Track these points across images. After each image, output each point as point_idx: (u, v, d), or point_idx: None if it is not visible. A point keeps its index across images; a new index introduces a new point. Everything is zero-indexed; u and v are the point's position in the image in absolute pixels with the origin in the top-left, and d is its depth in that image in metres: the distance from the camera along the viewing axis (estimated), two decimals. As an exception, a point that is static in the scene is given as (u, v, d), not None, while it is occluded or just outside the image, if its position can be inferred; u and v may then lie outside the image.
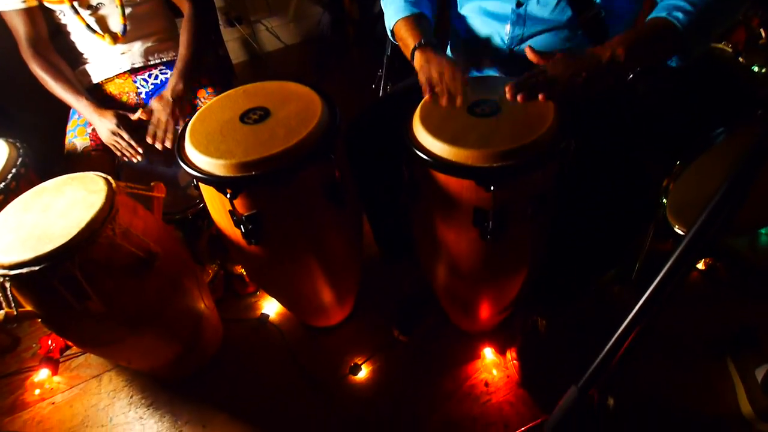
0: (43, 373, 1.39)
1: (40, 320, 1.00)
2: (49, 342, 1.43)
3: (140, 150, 1.28)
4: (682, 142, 1.34)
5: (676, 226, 1.20)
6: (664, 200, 1.20)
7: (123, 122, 1.25)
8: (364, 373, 1.32)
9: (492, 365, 1.30)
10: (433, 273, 1.15)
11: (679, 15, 0.83)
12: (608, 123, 1.05)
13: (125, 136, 1.25)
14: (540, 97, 0.86)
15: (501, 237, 0.89)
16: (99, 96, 1.39)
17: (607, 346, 0.63)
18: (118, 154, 1.30)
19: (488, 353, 1.31)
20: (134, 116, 1.27)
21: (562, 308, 1.34)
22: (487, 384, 1.27)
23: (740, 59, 1.40)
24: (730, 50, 1.41)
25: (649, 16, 0.88)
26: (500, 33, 1.06)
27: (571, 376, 0.73)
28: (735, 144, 1.20)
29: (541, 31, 1.02)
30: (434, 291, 1.27)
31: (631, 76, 1.40)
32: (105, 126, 1.26)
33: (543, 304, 1.34)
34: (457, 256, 1.01)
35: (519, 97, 0.87)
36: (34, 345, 1.50)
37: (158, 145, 1.26)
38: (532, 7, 0.99)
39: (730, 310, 1.37)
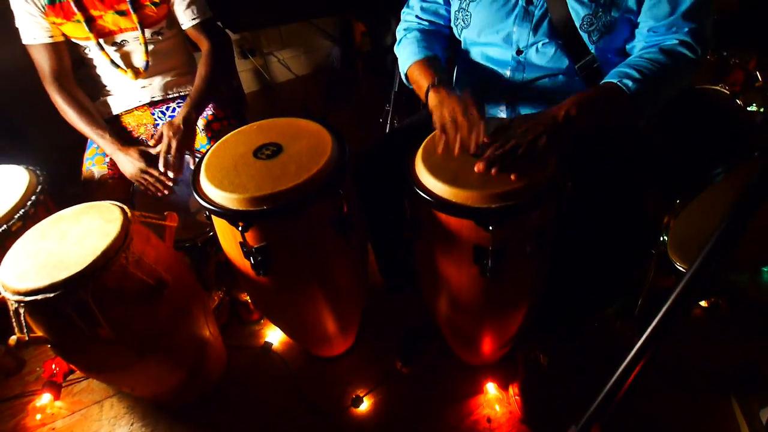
0: (45, 398, 1.40)
1: (49, 345, 1.02)
2: (53, 366, 1.44)
3: (170, 184, 1.31)
4: (682, 180, 1.37)
5: (677, 263, 1.21)
6: (665, 237, 1.22)
7: (146, 159, 1.30)
8: (365, 405, 1.31)
9: (495, 400, 1.29)
10: (436, 306, 1.17)
11: (629, 82, 0.90)
12: (608, 161, 1.08)
13: (155, 173, 1.29)
14: (512, 177, 0.84)
15: (501, 274, 0.91)
16: (117, 127, 1.44)
17: (608, 385, 0.64)
18: (150, 188, 1.33)
19: (491, 388, 1.31)
20: (154, 150, 1.31)
21: (564, 344, 1.34)
22: (489, 420, 1.26)
23: (738, 101, 1.44)
24: (727, 92, 1.45)
25: (602, 81, 0.95)
26: (502, 77, 1.11)
27: (573, 412, 0.74)
28: (733, 182, 1.22)
29: (541, 77, 1.07)
30: (437, 323, 1.28)
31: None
32: (133, 165, 1.30)
33: (545, 339, 1.34)
34: (458, 291, 1.03)
35: (492, 171, 0.85)
36: (38, 368, 1.51)
37: (170, 173, 1.30)
38: (531, 55, 1.05)
39: (733, 348, 1.37)
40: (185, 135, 1.31)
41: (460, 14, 1.11)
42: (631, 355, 0.66)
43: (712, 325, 1.44)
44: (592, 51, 1.00)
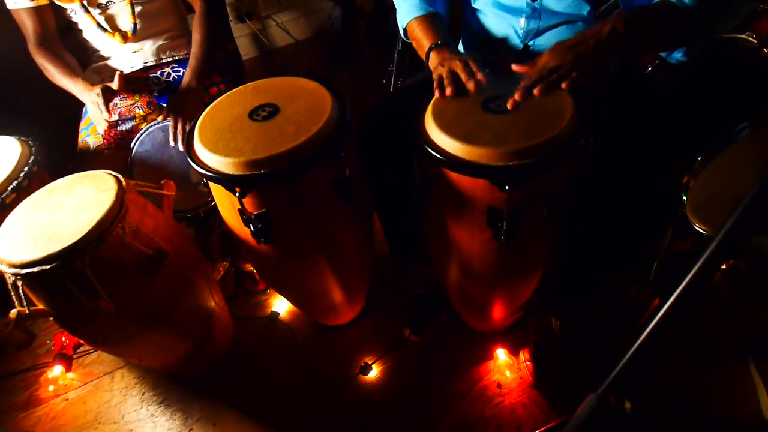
0: (56, 370, 1.41)
1: (52, 318, 1.00)
2: (63, 339, 1.45)
3: (106, 116, 1.26)
4: (703, 137, 1.30)
5: (697, 224, 1.16)
6: (684, 198, 1.16)
7: (105, 92, 1.24)
8: (374, 372, 1.31)
9: (505, 366, 1.28)
10: (445, 273, 1.13)
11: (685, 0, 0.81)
12: (627, 119, 1.01)
13: (101, 103, 1.23)
14: (563, 85, 0.82)
15: (516, 238, 0.86)
16: (111, 92, 1.39)
17: (629, 353, 0.61)
18: (100, 128, 1.31)
19: (501, 354, 1.29)
20: (114, 84, 1.25)
21: (577, 309, 1.31)
22: (499, 385, 1.25)
23: (765, 50, 1.35)
24: (754, 41, 1.36)
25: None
26: (515, 27, 1.03)
27: (585, 377, 0.71)
28: (759, 140, 1.15)
29: (557, 24, 0.99)
30: (446, 291, 1.25)
31: (650, 69, 1.36)
32: (90, 99, 1.26)
33: (557, 304, 1.31)
34: (470, 257, 0.99)
35: (536, 91, 0.83)
36: (48, 341, 1.52)
37: (180, 146, 1.27)
38: (548, 1, 0.96)
39: (753, 312, 1.33)
40: (190, 106, 1.28)
41: None
42: (652, 325, 0.62)
43: (730, 289, 1.40)
44: None
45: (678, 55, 0.90)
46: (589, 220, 1.00)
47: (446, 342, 1.36)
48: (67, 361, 1.42)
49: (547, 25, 0.99)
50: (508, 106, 0.84)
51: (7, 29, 1.35)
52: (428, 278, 1.41)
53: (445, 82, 0.90)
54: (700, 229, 1.16)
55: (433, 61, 0.98)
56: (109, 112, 1.25)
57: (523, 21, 1.01)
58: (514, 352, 1.30)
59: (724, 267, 1.43)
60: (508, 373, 1.27)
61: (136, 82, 1.36)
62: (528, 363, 1.27)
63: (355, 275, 1.26)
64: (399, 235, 1.35)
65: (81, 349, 1.47)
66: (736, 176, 1.06)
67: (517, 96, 0.83)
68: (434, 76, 0.95)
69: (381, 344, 1.37)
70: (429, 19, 1.05)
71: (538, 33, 1.01)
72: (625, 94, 1.03)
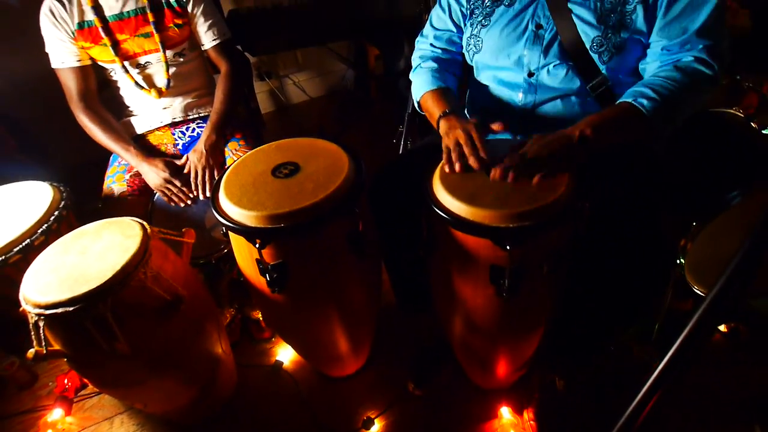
0: (56, 413, 1.39)
1: (65, 360, 1.02)
2: (66, 381, 1.45)
3: (191, 195, 1.38)
4: (699, 203, 1.36)
5: (695, 286, 1.19)
6: (682, 260, 1.20)
7: (171, 170, 1.36)
8: (376, 427, 1.29)
9: (509, 426, 1.26)
10: (450, 327, 1.16)
11: (645, 102, 0.91)
12: (624, 184, 1.08)
13: (177, 183, 1.36)
14: (534, 180, 0.88)
15: (517, 294, 0.90)
16: (140, 145, 1.49)
17: (628, 411, 0.63)
18: (173, 199, 1.39)
19: (505, 412, 1.28)
20: (180, 162, 1.38)
21: (581, 367, 1.32)
22: (503, 445, 1.23)
23: (752, 124, 1.44)
24: (741, 115, 1.45)
25: (618, 101, 0.96)
26: (514, 100, 1.13)
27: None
28: (750, 205, 1.21)
29: (553, 98, 1.08)
30: (451, 345, 1.26)
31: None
32: (158, 175, 1.36)
33: (561, 362, 1.32)
34: (474, 312, 1.03)
35: (509, 178, 0.89)
36: (50, 383, 1.51)
37: (201, 196, 1.37)
38: (543, 77, 1.06)
39: (755, 375, 1.33)
40: (210, 158, 1.38)
41: (472, 40, 1.14)
42: (650, 382, 0.65)
43: (732, 352, 1.40)
44: (603, 71, 1.02)
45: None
46: (588, 279, 1.04)
47: (450, 398, 1.35)
48: (68, 404, 1.41)
49: (543, 99, 1.09)
50: (490, 178, 0.91)
51: (37, 75, 1.44)
52: (433, 330, 1.42)
53: (453, 156, 0.97)
54: (698, 291, 1.19)
55: (443, 128, 1.06)
56: (188, 190, 1.38)
57: (521, 95, 1.11)
58: (518, 410, 1.29)
59: (725, 330, 1.45)
60: (512, 433, 1.25)
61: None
62: (532, 422, 1.25)
63: (362, 325, 1.28)
64: (405, 285, 1.39)
65: (82, 392, 1.46)
66: (730, 240, 1.10)
67: (496, 175, 0.90)
68: (443, 145, 1.02)
69: (384, 397, 1.36)
70: (440, 92, 1.15)
71: (535, 106, 1.10)
72: (619, 160, 1.11)
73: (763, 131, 1.47)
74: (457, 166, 0.95)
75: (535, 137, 0.93)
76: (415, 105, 1.24)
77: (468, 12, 1.16)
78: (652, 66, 1.00)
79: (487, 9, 1.11)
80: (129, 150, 1.38)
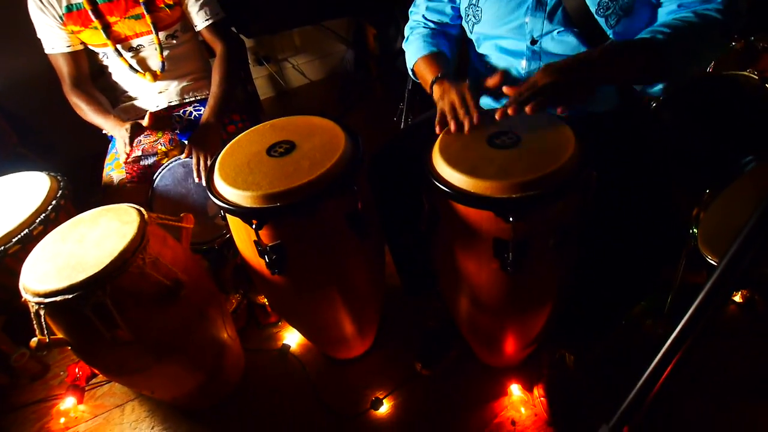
0: (68, 402, 1.41)
1: (69, 348, 1.02)
2: (76, 370, 1.46)
3: (127, 149, 1.33)
4: (711, 170, 1.31)
5: (709, 257, 1.15)
6: (695, 230, 1.16)
7: (134, 128, 1.31)
8: (385, 408, 1.29)
9: (519, 402, 1.25)
10: (456, 305, 1.13)
11: (659, 36, 0.87)
12: (634, 153, 1.04)
13: (127, 137, 1.30)
14: (558, 110, 0.87)
15: (522, 268, 0.88)
16: (140, 128, 1.47)
17: (640, 382, 0.61)
18: (121, 159, 1.37)
19: (515, 390, 1.27)
20: (144, 121, 1.32)
21: (591, 343, 1.29)
22: (514, 422, 1.22)
23: (767, 86, 1.38)
24: (756, 77, 1.39)
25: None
26: (517, 68, 1.08)
27: (602, 413, 0.70)
28: (764, 172, 1.17)
29: None
30: (457, 324, 1.24)
31: (654, 105, 1.40)
32: (119, 134, 1.33)
33: (571, 338, 1.29)
34: (479, 288, 1.00)
35: (527, 109, 0.85)
36: (61, 372, 1.53)
37: (204, 182, 1.32)
38: (547, 44, 1.02)
39: (774, 347, 1.30)
40: (211, 142, 1.34)
41: (471, 10, 1.10)
42: (662, 352, 0.62)
43: (747, 323, 1.37)
44: (611, 36, 0.97)
45: (655, 90, 0.94)
46: (598, 252, 1.01)
47: (459, 377, 1.34)
48: (80, 393, 1.43)
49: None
50: (497, 116, 0.87)
51: (37, 69, 1.42)
52: (439, 311, 1.41)
53: (448, 117, 0.96)
54: (711, 261, 1.16)
55: (436, 93, 1.04)
56: (132, 146, 1.33)
57: (524, 63, 1.06)
58: (528, 387, 1.27)
59: (740, 300, 1.41)
60: (522, 410, 1.24)
61: (161, 121, 1.43)
62: (542, 399, 1.24)
63: (367, 307, 1.26)
64: (409, 266, 1.37)
65: (93, 380, 1.48)
66: (745, 208, 1.06)
67: (509, 110, 0.86)
68: (437, 108, 1.00)
69: (392, 378, 1.35)
70: (433, 56, 1.11)
71: None
72: (628, 129, 1.06)
73: (780, 94, 1.41)
74: (452, 125, 0.94)
75: (542, 67, 0.89)
76: (410, 74, 1.20)
77: None
78: (665, 18, 0.94)
79: None
80: (108, 118, 1.36)
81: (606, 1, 0.94)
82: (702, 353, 1.24)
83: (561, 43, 1.01)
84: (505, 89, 0.91)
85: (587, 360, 1.28)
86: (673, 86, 0.93)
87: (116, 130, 1.34)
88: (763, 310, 1.37)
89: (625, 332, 1.34)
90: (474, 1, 1.08)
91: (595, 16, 0.96)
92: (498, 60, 1.12)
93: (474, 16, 1.09)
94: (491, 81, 0.97)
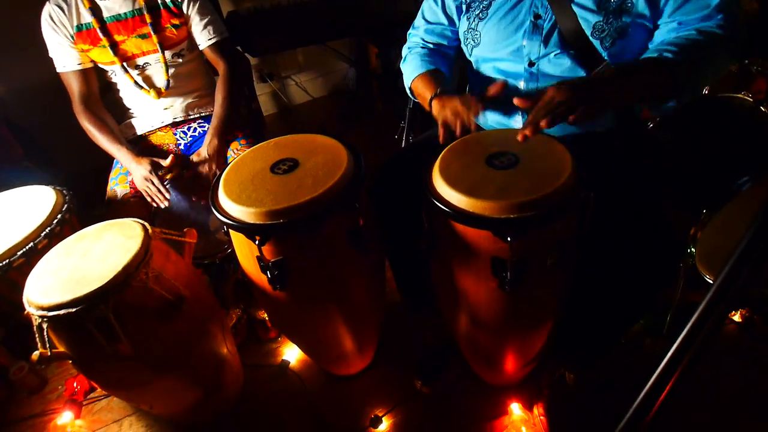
0: (66, 416, 1.40)
1: (70, 362, 1.02)
2: (75, 384, 1.45)
3: (168, 196, 1.36)
4: (708, 190, 1.33)
5: (707, 275, 1.16)
6: (693, 249, 1.18)
7: (155, 168, 1.35)
8: (384, 425, 1.28)
9: (520, 421, 1.24)
10: (455, 323, 1.14)
11: (666, 54, 0.89)
12: (630, 173, 1.06)
13: (155, 181, 1.34)
14: (570, 118, 0.86)
15: (520, 287, 0.89)
16: (142, 146, 1.49)
17: (638, 400, 0.61)
18: (148, 199, 1.38)
19: (515, 408, 1.26)
20: (165, 162, 1.35)
21: (591, 362, 1.29)
22: (513, 441, 1.21)
23: (762, 108, 1.41)
24: (750, 100, 1.42)
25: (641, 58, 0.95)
26: (516, 89, 1.11)
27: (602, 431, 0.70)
28: (761, 192, 1.18)
29: None
30: (457, 341, 1.25)
31: (651, 125, 1.42)
32: (139, 172, 1.35)
33: (571, 357, 1.29)
34: (477, 306, 1.01)
35: (543, 123, 0.85)
36: (60, 387, 1.52)
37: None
38: (544, 66, 1.05)
39: (773, 367, 1.29)
40: (214, 163, 1.38)
41: (470, 34, 1.13)
42: (659, 371, 0.63)
43: (747, 343, 1.37)
44: (606, 58, 1.00)
45: (666, 108, 0.97)
46: (596, 271, 1.02)
47: (459, 395, 1.33)
48: (77, 407, 1.42)
49: (546, 86, 1.06)
50: (518, 138, 0.87)
51: (43, 82, 1.44)
52: (439, 328, 1.41)
53: (451, 124, 0.98)
54: (709, 280, 1.16)
55: (435, 108, 1.05)
56: (163, 186, 1.36)
57: (522, 84, 1.09)
58: (528, 406, 1.27)
59: (739, 320, 1.41)
60: (523, 429, 1.23)
61: (181, 161, 1.42)
62: (542, 418, 1.23)
63: (367, 323, 1.27)
64: (410, 283, 1.37)
65: (91, 395, 1.47)
66: (742, 227, 1.08)
67: (528, 131, 0.87)
68: (439, 123, 1.01)
69: (392, 395, 1.34)
70: (431, 74, 1.14)
71: (539, 93, 1.08)
72: (624, 149, 1.08)
73: (774, 116, 1.44)
74: (458, 130, 0.98)
75: (556, 83, 0.89)
76: (408, 93, 1.23)
77: (465, 6, 1.14)
78: (668, 36, 0.97)
79: (485, 2, 1.09)
80: (121, 149, 1.38)
81: (601, 24, 0.97)
82: (702, 372, 1.23)
83: (557, 65, 1.04)
84: (516, 101, 0.92)
85: (587, 379, 1.28)
86: (681, 105, 0.95)
87: (132, 165, 1.37)
88: (762, 330, 1.38)
89: (625, 351, 1.34)
90: (473, 26, 1.11)
91: (590, 39, 0.99)
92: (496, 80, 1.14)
93: (473, 40, 1.13)
94: (493, 89, 0.99)
